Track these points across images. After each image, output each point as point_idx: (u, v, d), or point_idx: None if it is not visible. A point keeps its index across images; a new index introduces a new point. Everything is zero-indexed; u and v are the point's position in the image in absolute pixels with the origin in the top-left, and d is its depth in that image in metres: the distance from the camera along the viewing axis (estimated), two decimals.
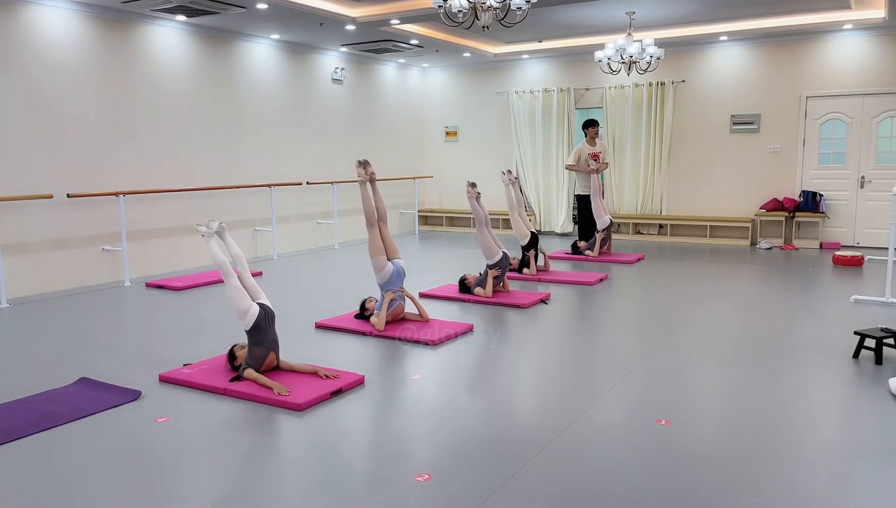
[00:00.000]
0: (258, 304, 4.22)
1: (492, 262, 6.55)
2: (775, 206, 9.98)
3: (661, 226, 10.94)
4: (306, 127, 10.17)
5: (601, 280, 7.43)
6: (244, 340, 4.41)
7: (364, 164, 5.61)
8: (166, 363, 4.56)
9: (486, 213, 6.79)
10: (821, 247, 9.80)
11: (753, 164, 10.24)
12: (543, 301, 6.42)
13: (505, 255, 6.62)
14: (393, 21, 8.45)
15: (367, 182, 5.57)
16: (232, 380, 4.10)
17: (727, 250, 9.77)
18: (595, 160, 9.19)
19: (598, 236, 8.90)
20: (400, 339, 5.14)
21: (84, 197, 7.25)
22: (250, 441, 3.37)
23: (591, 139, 9.25)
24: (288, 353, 4.58)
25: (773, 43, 9.91)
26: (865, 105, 9.51)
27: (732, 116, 10.30)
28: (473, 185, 6.86)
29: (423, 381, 4.24)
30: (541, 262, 7.83)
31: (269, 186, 9.30)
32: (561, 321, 5.80)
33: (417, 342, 5.06)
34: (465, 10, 5.60)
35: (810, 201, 9.78)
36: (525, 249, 7.83)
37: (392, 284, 5.43)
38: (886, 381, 4.13)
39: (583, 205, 9.39)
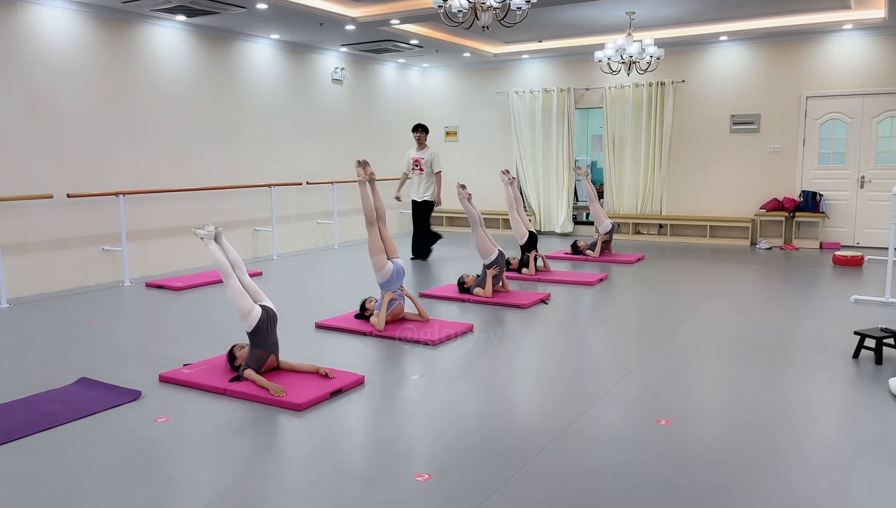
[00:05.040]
0: (261, 306, 4.22)
1: (488, 261, 6.55)
2: (775, 206, 9.98)
3: (661, 226, 10.94)
4: (306, 127, 10.17)
5: (601, 280, 7.43)
6: (244, 340, 4.41)
7: (363, 164, 5.63)
8: (166, 363, 4.57)
9: (479, 213, 6.80)
10: (821, 247, 9.80)
11: (753, 164, 10.24)
12: (543, 301, 6.42)
13: (501, 253, 6.62)
14: (393, 21, 8.45)
15: (367, 182, 5.59)
16: (232, 380, 4.10)
17: (727, 250, 9.77)
18: (416, 165, 8.84)
19: (600, 238, 8.90)
20: (400, 339, 5.14)
21: (84, 197, 7.25)
22: (250, 441, 3.37)
23: (418, 144, 8.89)
24: (288, 353, 4.59)
25: (773, 43, 9.91)
26: (865, 105, 9.51)
27: (732, 116, 10.30)
28: (464, 186, 6.86)
29: (423, 381, 4.24)
30: (540, 264, 7.82)
31: (269, 186, 9.30)
32: (561, 321, 5.80)
33: (417, 342, 5.06)
34: (465, 10, 5.60)
35: (810, 201, 9.78)
36: (524, 249, 7.84)
37: (392, 283, 5.43)
38: (886, 381, 4.13)
39: (416, 212, 8.94)
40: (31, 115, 6.88)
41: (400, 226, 12.10)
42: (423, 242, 9.02)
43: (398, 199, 9.03)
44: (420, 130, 8.88)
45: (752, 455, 3.16)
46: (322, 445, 3.32)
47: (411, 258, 8.90)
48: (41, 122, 6.97)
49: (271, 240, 9.46)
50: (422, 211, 8.91)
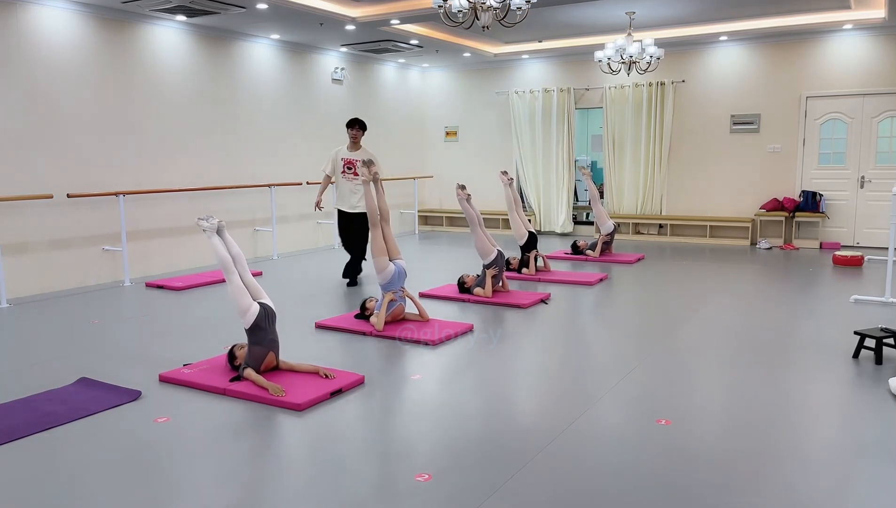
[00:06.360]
0: (259, 303, 4.22)
1: (488, 261, 6.56)
2: (775, 206, 9.98)
3: (661, 226, 10.94)
4: (306, 127, 10.17)
5: (601, 280, 7.43)
6: (244, 339, 4.41)
7: (367, 164, 5.64)
8: (166, 363, 4.56)
9: (478, 213, 6.80)
10: (821, 247, 9.80)
11: (753, 164, 10.24)
12: (543, 301, 6.42)
13: (500, 253, 6.62)
14: (393, 21, 8.45)
15: (371, 182, 5.60)
16: (232, 380, 4.10)
17: (727, 250, 9.77)
18: (350, 168, 7.30)
19: (601, 239, 8.89)
20: (400, 339, 5.14)
21: (84, 197, 7.25)
22: (250, 442, 3.37)
23: (353, 143, 7.36)
24: (288, 353, 4.58)
25: (773, 43, 9.91)
26: (865, 105, 9.51)
27: (732, 116, 10.30)
28: (463, 187, 6.87)
29: (423, 381, 4.24)
30: (540, 263, 7.82)
31: (269, 186, 9.30)
32: (561, 321, 5.79)
33: (417, 342, 5.06)
34: (465, 10, 5.60)
35: (810, 201, 9.78)
36: (524, 249, 7.84)
37: (393, 284, 5.43)
38: (886, 381, 4.13)
39: (345, 223, 7.41)
40: (31, 114, 6.88)
41: (400, 226, 12.10)
42: (356, 261, 7.45)
43: (319, 207, 7.52)
44: (357, 126, 7.31)
45: (752, 455, 3.16)
46: (322, 445, 3.32)
47: (348, 284, 7.41)
48: (41, 122, 6.96)
49: (271, 240, 9.45)
50: (358, 225, 7.27)
